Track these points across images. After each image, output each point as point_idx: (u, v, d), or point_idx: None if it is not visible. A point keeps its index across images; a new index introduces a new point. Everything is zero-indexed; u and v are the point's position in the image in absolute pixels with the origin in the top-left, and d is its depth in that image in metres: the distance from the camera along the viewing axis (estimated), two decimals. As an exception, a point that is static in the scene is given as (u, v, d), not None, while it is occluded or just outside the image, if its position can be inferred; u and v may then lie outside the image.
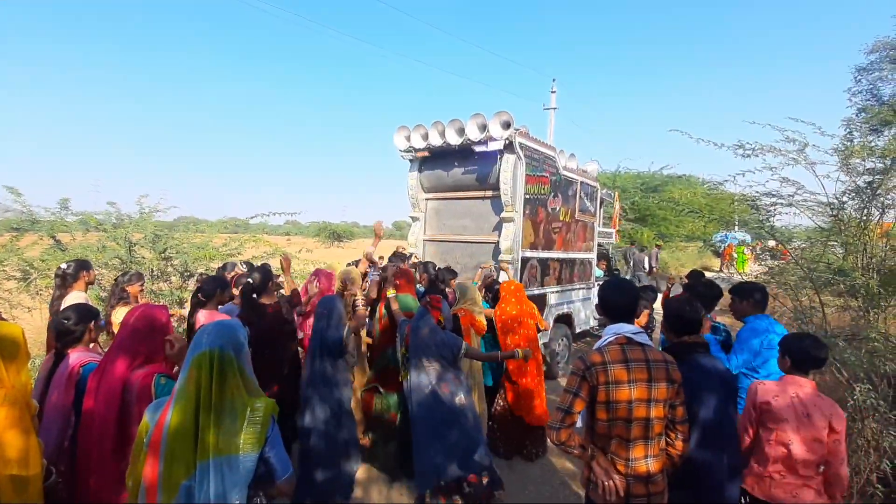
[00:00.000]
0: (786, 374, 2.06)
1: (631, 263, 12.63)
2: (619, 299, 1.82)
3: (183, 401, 1.31)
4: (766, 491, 1.98)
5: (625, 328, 1.77)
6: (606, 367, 1.67)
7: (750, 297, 2.71)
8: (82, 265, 3.17)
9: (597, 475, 1.69)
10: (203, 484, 1.26)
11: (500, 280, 4.46)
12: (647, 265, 12.15)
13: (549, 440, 1.75)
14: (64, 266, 3.15)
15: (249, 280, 3.08)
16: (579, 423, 1.81)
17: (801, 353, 2.00)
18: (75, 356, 1.97)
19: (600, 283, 7.05)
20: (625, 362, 1.68)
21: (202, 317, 2.88)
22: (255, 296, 3.04)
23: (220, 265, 5.03)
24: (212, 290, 2.98)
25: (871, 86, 6.82)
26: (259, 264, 3.58)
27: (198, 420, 1.29)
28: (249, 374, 1.43)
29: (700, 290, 3.19)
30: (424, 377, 2.68)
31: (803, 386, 1.98)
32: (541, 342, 5.23)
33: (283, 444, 1.45)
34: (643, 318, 3.66)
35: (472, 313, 3.47)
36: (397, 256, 4.77)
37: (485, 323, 3.55)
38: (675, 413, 1.74)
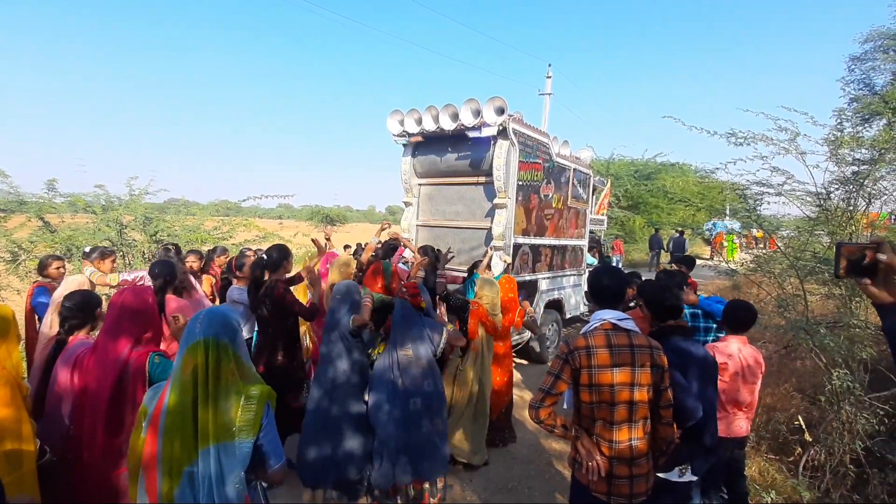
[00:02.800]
0: (729, 335, 2.54)
1: (670, 247, 13.22)
2: (606, 285, 1.85)
3: (179, 388, 1.31)
4: (734, 430, 2.48)
5: (610, 314, 1.79)
6: (590, 351, 1.71)
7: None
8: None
9: (581, 456, 1.74)
10: (204, 469, 1.28)
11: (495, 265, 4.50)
12: (686, 249, 12.96)
13: (529, 418, 1.80)
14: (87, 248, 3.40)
15: (264, 256, 3.19)
16: (566, 406, 1.86)
17: (737, 318, 2.50)
18: (76, 343, 1.98)
19: (591, 269, 7.11)
20: (608, 347, 1.71)
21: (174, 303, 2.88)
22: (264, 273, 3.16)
23: (211, 248, 5.03)
24: (172, 274, 2.90)
25: (864, 75, 6.84)
26: (277, 244, 3.66)
27: (196, 407, 1.30)
28: (245, 359, 1.43)
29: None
30: (394, 371, 2.64)
31: (745, 343, 2.51)
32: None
33: (277, 431, 1.46)
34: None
35: (485, 309, 3.40)
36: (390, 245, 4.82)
37: (497, 322, 3.44)
38: (661, 398, 1.77)
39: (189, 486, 1.29)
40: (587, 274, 6.61)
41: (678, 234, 14.06)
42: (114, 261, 3.50)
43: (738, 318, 2.50)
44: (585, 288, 6.73)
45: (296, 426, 3.17)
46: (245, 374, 1.41)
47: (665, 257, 14.37)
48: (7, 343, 1.67)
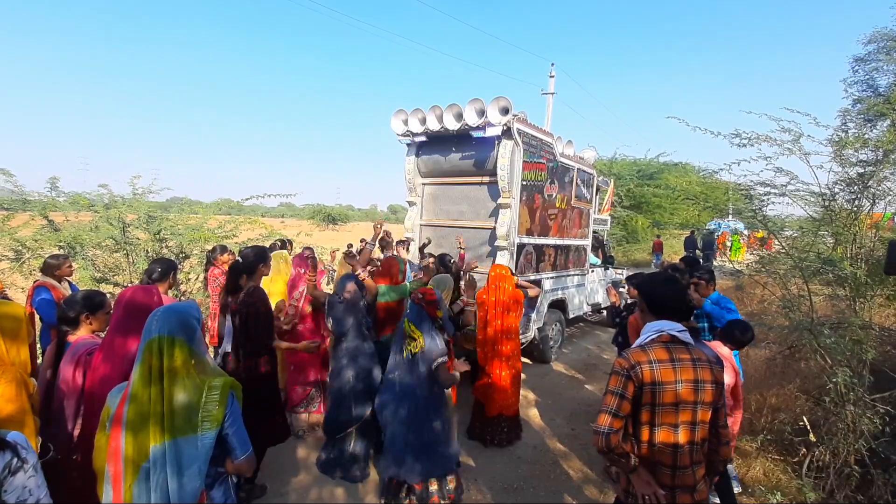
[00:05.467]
0: (714, 340, 2.65)
1: (701, 245, 13.95)
2: (668, 295, 1.66)
3: (138, 386, 1.33)
4: None
5: (669, 325, 1.61)
6: (652, 366, 1.53)
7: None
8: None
9: (636, 488, 1.55)
10: (157, 465, 1.30)
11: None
12: (715, 248, 13.50)
13: (595, 447, 1.59)
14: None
15: (239, 259, 3.02)
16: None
17: (734, 337, 2.58)
18: (80, 343, 1.99)
19: (594, 269, 7.06)
20: (671, 362, 1.54)
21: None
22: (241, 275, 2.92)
23: (210, 248, 5.05)
24: (164, 275, 2.87)
25: (868, 76, 6.81)
26: (252, 246, 3.59)
27: (150, 404, 1.32)
28: (203, 354, 1.45)
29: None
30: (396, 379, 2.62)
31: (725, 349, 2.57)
32: (535, 327, 5.32)
33: (243, 423, 1.47)
34: (615, 298, 3.76)
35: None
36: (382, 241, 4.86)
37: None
38: (720, 417, 1.60)
39: (145, 483, 1.31)
40: (591, 273, 6.67)
41: (707, 235, 14.66)
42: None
43: (735, 337, 2.57)
44: (588, 288, 6.74)
45: (277, 435, 2.92)
46: (205, 369, 1.43)
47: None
48: (17, 342, 1.68)
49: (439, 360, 2.52)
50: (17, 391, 1.62)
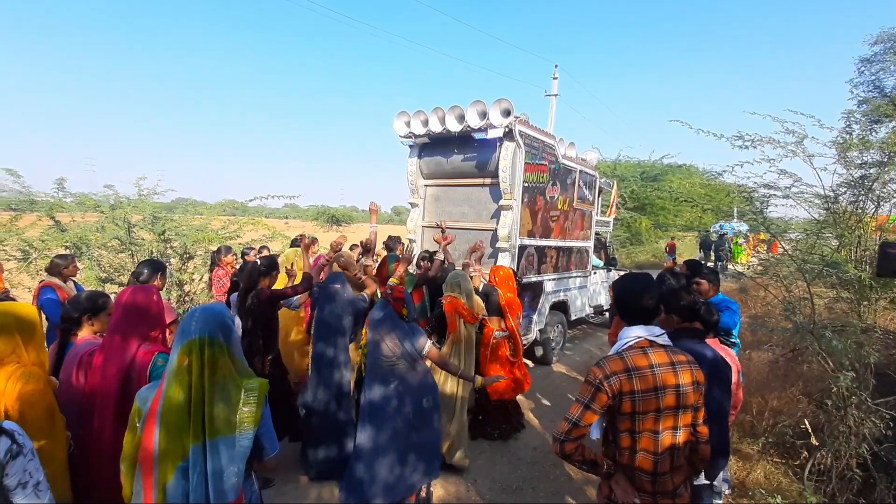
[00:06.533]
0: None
1: (712, 248, 14.24)
2: (640, 299, 1.57)
3: (175, 386, 1.34)
4: None
5: (645, 331, 1.56)
6: (631, 375, 1.48)
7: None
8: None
9: (616, 496, 1.52)
10: (196, 465, 1.31)
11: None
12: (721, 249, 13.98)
13: (553, 451, 1.59)
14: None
15: (257, 260, 3.12)
16: (595, 434, 1.64)
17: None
18: (83, 343, 2.01)
19: (597, 270, 7.04)
20: (650, 368, 1.50)
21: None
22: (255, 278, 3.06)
23: (216, 249, 5.11)
24: (150, 276, 2.88)
25: (874, 77, 6.77)
26: (267, 256, 3.67)
27: (191, 404, 1.33)
28: (239, 356, 1.46)
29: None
30: (378, 384, 2.44)
31: (718, 345, 2.33)
32: (536, 329, 5.34)
33: (272, 422, 1.49)
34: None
35: (458, 300, 3.33)
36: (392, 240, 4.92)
37: (475, 310, 3.38)
38: (697, 416, 1.58)
39: (182, 482, 1.32)
40: (594, 275, 6.66)
41: (718, 238, 14.81)
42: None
43: (703, 319, 2.53)
44: (591, 290, 6.73)
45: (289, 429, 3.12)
46: (239, 369, 1.44)
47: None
48: (34, 341, 1.70)
49: (426, 347, 2.41)
50: (44, 390, 1.64)
